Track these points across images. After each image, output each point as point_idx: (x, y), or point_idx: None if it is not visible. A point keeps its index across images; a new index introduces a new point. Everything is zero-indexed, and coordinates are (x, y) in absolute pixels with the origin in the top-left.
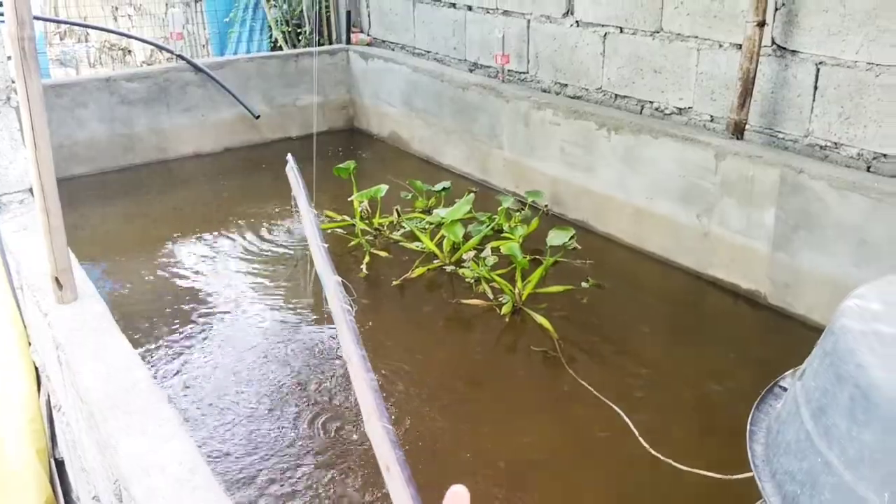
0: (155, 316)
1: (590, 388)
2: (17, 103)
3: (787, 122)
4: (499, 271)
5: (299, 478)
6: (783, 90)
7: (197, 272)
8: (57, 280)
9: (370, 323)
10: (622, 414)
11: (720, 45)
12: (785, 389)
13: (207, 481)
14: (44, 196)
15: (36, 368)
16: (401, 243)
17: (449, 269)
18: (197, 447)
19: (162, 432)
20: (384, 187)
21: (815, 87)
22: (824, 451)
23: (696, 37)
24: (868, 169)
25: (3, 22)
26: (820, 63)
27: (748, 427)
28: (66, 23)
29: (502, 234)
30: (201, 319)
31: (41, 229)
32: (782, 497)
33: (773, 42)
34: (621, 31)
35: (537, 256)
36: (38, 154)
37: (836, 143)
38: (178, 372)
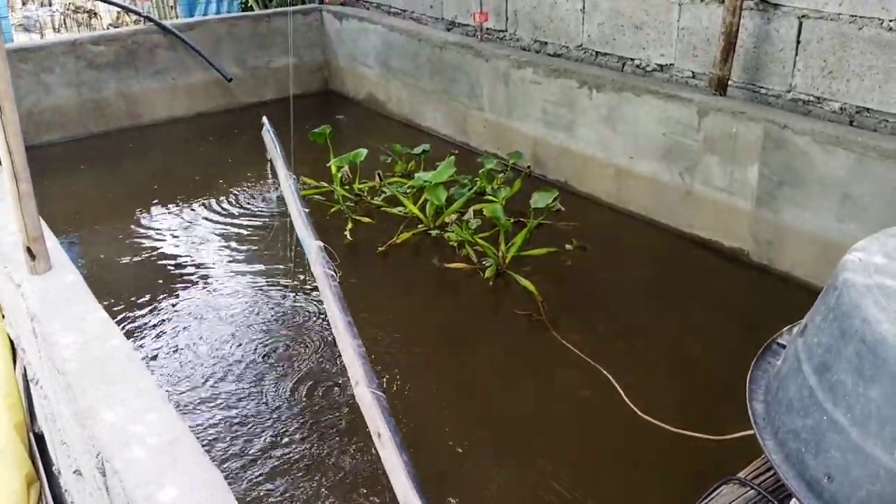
0: (132, 286)
1: (574, 349)
2: None
3: (770, 77)
4: (482, 234)
5: (285, 446)
6: (766, 45)
7: (173, 240)
8: (29, 250)
9: (356, 289)
10: (608, 375)
11: (702, 0)
12: (783, 346)
13: (191, 452)
14: (12, 161)
15: (11, 341)
16: (383, 208)
17: (433, 233)
18: (179, 416)
19: (141, 402)
20: (363, 151)
21: (798, 41)
22: (829, 408)
23: None
24: (851, 123)
25: None
26: (803, 16)
27: (748, 385)
28: None
29: (484, 197)
30: (179, 288)
31: (10, 197)
32: (785, 455)
33: None
34: None
35: (521, 219)
36: (3, 117)
37: (818, 98)
38: (156, 341)
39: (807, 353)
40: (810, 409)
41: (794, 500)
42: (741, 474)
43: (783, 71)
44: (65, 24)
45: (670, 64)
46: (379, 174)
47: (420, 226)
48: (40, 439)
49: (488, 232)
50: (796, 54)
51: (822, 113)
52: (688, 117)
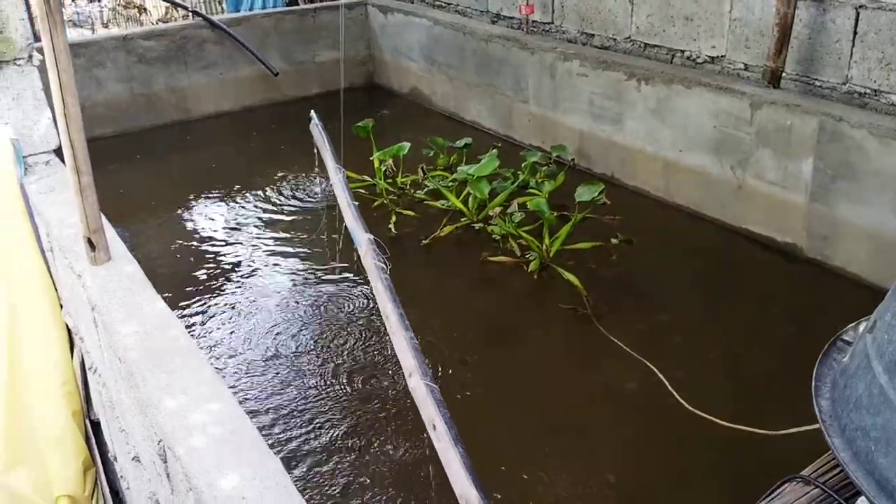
0: (183, 277)
1: (621, 344)
2: (40, 62)
3: (825, 69)
4: (526, 227)
5: (342, 435)
6: (821, 36)
7: (223, 232)
8: (89, 241)
9: (401, 281)
10: (655, 370)
11: None
12: (848, 343)
13: (251, 441)
14: (73, 154)
15: (69, 330)
16: (426, 202)
17: (477, 226)
18: (240, 406)
19: (203, 391)
20: (406, 145)
21: (855, 32)
22: None
23: None
24: None
25: None
26: (860, 6)
27: (813, 382)
28: None
29: (528, 190)
30: (230, 280)
31: (72, 189)
32: (854, 453)
33: None
34: None
35: (564, 213)
36: (66, 111)
37: (875, 91)
38: (211, 331)
39: (877, 350)
40: (881, 407)
41: (861, 498)
42: (804, 472)
43: (839, 63)
44: (114, 19)
45: (721, 56)
46: (422, 168)
47: (463, 219)
48: (96, 426)
49: (532, 225)
50: (853, 46)
51: (880, 105)
52: (740, 110)
